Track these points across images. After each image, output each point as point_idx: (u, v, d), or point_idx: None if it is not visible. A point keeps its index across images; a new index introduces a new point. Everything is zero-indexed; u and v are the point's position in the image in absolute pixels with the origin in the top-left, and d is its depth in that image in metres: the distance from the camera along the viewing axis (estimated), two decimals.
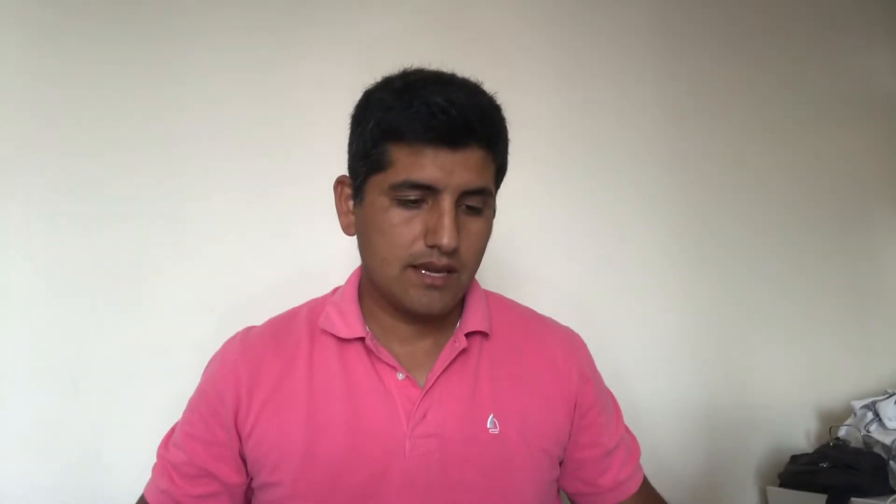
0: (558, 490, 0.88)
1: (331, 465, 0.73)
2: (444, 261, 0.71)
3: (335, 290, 0.87)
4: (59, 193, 1.14)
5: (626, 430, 0.92)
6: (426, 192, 0.71)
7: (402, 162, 0.71)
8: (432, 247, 0.71)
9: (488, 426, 0.77)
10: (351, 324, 0.79)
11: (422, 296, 0.73)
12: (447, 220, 0.70)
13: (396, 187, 0.71)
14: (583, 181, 1.55)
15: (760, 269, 1.70)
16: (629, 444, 0.90)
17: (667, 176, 1.63)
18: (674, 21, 1.72)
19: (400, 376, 0.77)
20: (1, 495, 1.04)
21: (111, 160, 1.18)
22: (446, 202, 0.71)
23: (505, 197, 1.42)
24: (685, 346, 1.57)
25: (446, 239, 0.69)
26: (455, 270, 0.73)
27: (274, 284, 1.22)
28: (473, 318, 0.82)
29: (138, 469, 1.03)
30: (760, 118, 1.79)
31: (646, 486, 0.90)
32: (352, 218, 0.80)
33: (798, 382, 1.67)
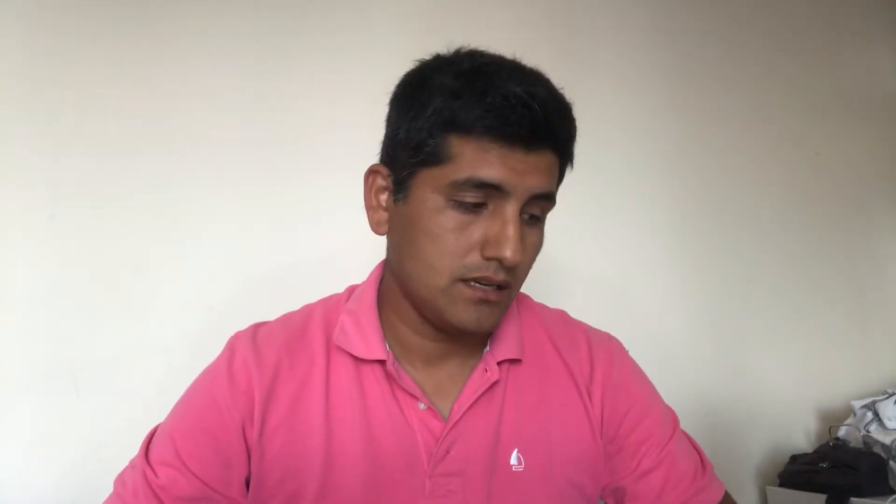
0: None
1: (346, 501, 0.66)
2: (501, 276, 0.62)
3: (351, 291, 0.77)
4: (59, 193, 1.14)
5: (681, 453, 0.75)
6: (489, 195, 0.62)
7: (466, 157, 0.61)
8: (490, 259, 0.62)
9: (512, 462, 0.69)
10: (370, 342, 0.69)
11: (472, 311, 0.64)
12: (512, 231, 0.61)
13: (458, 185, 0.61)
14: (581, 181, 1.54)
15: (760, 269, 1.70)
16: (680, 468, 0.73)
17: (667, 175, 1.63)
18: (675, 21, 1.72)
19: (422, 406, 0.68)
20: (1, 495, 1.04)
21: (111, 159, 1.18)
22: (512, 209, 0.62)
23: None
24: (684, 346, 1.57)
25: (510, 252, 0.60)
26: (509, 286, 0.64)
27: (274, 282, 1.22)
28: (507, 344, 0.73)
29: None
30: (762, 117, 1.78)
31: None
32: (384, 215, 0.69)
33: (798, 382, 1.67)
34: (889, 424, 1.49)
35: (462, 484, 0.67)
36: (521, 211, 0.63)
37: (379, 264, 0.77)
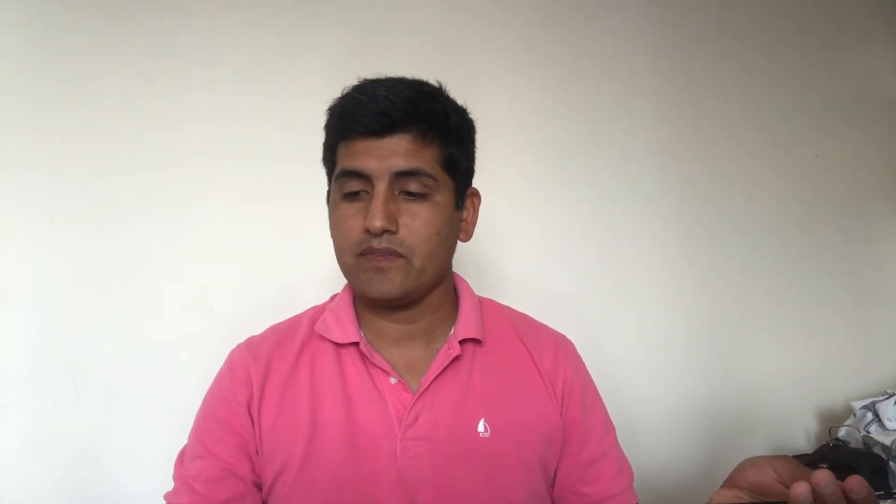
0: None
1: (329, 464, 0.76)
2: (383, 244, 0.74)
3: (333, 297, 0.89)
4: (59, 193, 1.14)
5: (620, 449, 0.88)
6: (364, 183, 0.75)
7: (343, 156, 0.78)
8: (366, 231, 0.74)
9: (479, 430, 0.79)
10: (346, 329, 0.81)
11: (370, 279, 0.76)
12: (375, 203, 0.74)
13: (338, 178, 0.77)
14: (579, 183, 1.55)
15: (759, 270, 1.70)
16: (621, 462, 0.87)
17: (664, 177, 1.63)
18: (672, 21, 1.72)
19: (392, 380, 0.79)
20: (1, 495, 1.04)
21: (111, 161, 1.18)
22: (378, 188, 0.74)
23: (501, 198, 1.43)
24: (684, 347, 1.57)
25: (371, 220, 0.73)
26: (399, 254, 0.75)
27: (274, 285, 1.22)
28: (467, 326, 0.84)
29: (138, 469, 1.03)
30: (760, 118, 1.78)
31: None
32: None
33: (797, 383, 1.67)
34: (889, 425, 1.49)
35: (430, 447, 0.77)
36: (396, 189, 0.75)
37: None
